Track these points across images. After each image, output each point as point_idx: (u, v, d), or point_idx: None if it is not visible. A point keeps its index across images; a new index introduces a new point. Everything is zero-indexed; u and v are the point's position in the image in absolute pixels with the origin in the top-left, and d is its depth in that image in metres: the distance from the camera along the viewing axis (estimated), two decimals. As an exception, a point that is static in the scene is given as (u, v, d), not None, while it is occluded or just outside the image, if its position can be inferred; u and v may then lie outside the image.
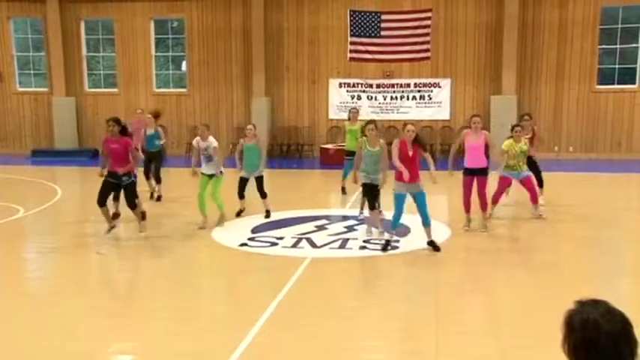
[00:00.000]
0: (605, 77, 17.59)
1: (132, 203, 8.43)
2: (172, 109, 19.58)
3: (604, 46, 17.46)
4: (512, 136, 9.20)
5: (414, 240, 8.24)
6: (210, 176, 8.90)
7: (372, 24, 17.86)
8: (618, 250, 8.19)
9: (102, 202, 8.34)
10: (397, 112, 18.37)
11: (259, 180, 9.51)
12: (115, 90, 20.07)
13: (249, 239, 8.36)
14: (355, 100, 18.67)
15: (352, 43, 18.08)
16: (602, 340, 1.92)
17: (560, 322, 1.99)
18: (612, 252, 8.03)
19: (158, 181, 11.21)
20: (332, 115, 18.87)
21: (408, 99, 18.37)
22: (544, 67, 17.60)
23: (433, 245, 7.62)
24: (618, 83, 17.55)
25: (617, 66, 17.58)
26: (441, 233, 8.52)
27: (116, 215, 9.26)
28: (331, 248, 7.91)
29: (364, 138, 8.28)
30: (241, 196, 9.55)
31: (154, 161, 11.17)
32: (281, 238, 8.34)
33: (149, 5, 19.35)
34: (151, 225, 9.08)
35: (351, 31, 18.01)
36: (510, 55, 17.24)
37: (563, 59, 17.45)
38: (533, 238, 8.67)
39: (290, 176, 15.37)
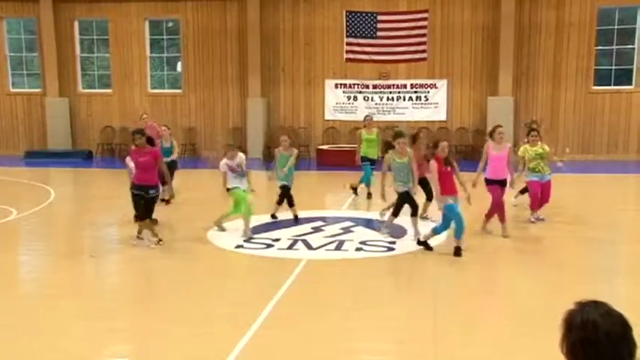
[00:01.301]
0: (601, 78, 17.67)
1: (149, 214, 8.23)
2: (167, 110, 19.57)
3: (600, 47, 17.54)
4: (527, 141, 9.22)
5: (410, 242, 8.25)
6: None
7: (368, 25, 17.90)
8: (621, 252, 8.21)
9: (142, 216, 8.16)
10: (393, 113, 18.40)
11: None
12: (109, 91, 20.04)
13: (245, 241, 8.35)
14: (351, 101, 18.70)
15: (348, 44, 18.12)
16: (601, 340, 1.94)
17: (558, 323, 2.00)
18: (615, 253, 8.05)
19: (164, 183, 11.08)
20: (328, 116, 18.90)
21: (404, 100, 18.40)
22: (541, 68, 17.67)
23: (457, 251, 7.51)
24: (615, 84, 17.64)
25: (613, 67, 17.66)
26: (438, 236, 8.54)
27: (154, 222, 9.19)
28: (327, 250, 7.92)
29: (391, 151, 8.29)
30: (281, 202, 9.59)
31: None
32: (277, 240, 8.35)
33: (144, 6, 19.34)
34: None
35: (347, 31, 18.05)
36: (507, 56, 17.30)
37: (560, 60, 17.52)
38: (534, 239, 8.68)
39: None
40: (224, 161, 8.63)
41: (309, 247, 8.05)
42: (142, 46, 19.62)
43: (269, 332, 5.18)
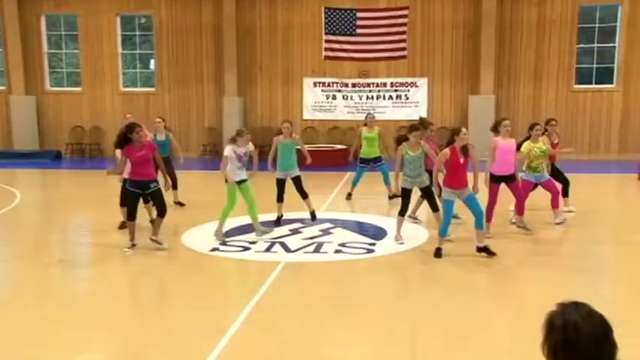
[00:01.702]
0: (583, 77, 17.96)
1: (164, 209, 8.00)
2: (140, 109, 19.40)
3: (582, 46, 17.82)
4: (529, 136, 8.97)
5: (391, 243, 8.29)
6: (240, 182, 8.46)
7: (348, 21, 17.95)
8: (605, 250, 8.34)
9: (133, 216, 7.98)
10: (373, 112, 18.41)
11: (297, 180, 9.34)
12: (79, 89, 19.81)
13: (221, 244, 8.31)
14: (330, 100, 18.74)
15: (327, 41, 18.16)
16: (582, 342, 1.97)
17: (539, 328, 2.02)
18: (598, 253, 8.17)
19: (175, 186, 10.83)
20: (306, 116, 18.91)
21: (384, 99, 18.49)
22: (522, 66, 17.89)
23: (487, 251, 7.47)
24: (596, 83, 17.93)
25: (595, 65, 17.95)
26: (419, 236, 8.59)
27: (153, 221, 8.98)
28: (305, 252, 7.91)
29: (405, 143, 8.24)
30: (280, 199, 9.39)
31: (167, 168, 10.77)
32: (254, 243, 8.32)
33: (115, 0, 19.15)
34: (117, 231, 9.00)
35: (326, 28, 18.09)
36: (488, 54, 17.48)
37: (542, 59, 17.77)
38: (513, 241, 8.76)
39: (263, 178, 15.30)
40: (231, 147, 8.35)
41: (287, 249, 8.04)
42: (113, 42, 19.42)
43: (246, 337, 5.16)
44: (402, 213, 8.31)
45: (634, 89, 17.56)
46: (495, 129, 8.56)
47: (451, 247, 7.91)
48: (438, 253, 7.53)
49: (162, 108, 19.33)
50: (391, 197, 11.22)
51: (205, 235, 8.74)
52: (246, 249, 8.07)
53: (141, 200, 8.23)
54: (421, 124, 8.80)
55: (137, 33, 19.79)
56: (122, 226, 8.88)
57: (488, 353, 4.91)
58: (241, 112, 18.87)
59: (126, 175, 8.23)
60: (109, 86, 19.59)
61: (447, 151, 7.42)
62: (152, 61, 19.72)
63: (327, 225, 9.37)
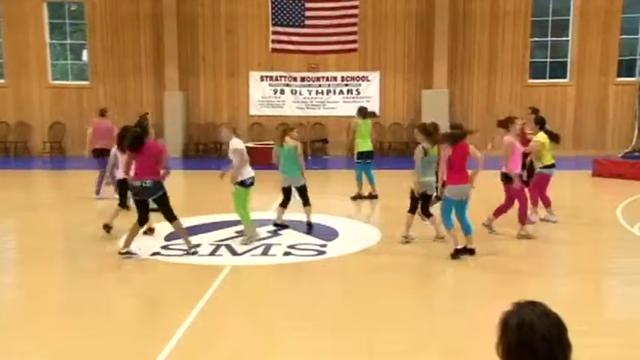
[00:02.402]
0: (537, 71, 18.49)
1: (170, 213, 7.78)
2: (72, 104, 18.92)
3: (536, 39, 18.34)
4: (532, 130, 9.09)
5: (343, 244, 8.32)
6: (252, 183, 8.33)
7: (296, 12, 17.94)
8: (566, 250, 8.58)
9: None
10: (323, 108, 18.54)
11: (302, 190, 9.12)
12: (2, 81, 19.12)
13: (163, 247, 8.19)
14: (278, 94, 18.71)
15: (274, 33, 18.11)
16: (537, 342, 2.01)
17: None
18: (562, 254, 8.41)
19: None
20: (253, 111, 18.82)
21: (334, 93, 18.57)
22: (476, 60, 18.28)
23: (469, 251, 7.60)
24: (550, 77, 18.49)
25: (548, 59, 18.50)
26: (370, 237, 8.66)
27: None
28: (253, 255, 7.87)
29: (424, 144, 8.17)
30: (283, 205, 9.17)
31: None
32: (197, 246, 8.21)
33: (42, -14, 18.57)
34: (52, 233, 8.74)
35: (273, 19, 18.03)
36: (441, 47, 17.77)
37: (496, 52, 18.19)
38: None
39: (207, 178, 15.13)
40: (240, 142, 8.23)
41: (233, 252, 7.98)
42: (40, 31, 18.82)
43: (189, 348, 5.08)
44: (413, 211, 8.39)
45: (587, 84, 18.19)
46: (506, 125, 8.63)
47: (408, 250, 8.01)
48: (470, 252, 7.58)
49: (96, 103, 18.80)
50: (355, 198, 11.41)
51: (145, 238, 8.57)
52: (190, 253, 7.96)
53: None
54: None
55: (67, 21, 19.21)
56: (107, 229, 8.73)
57: (448, 356, 4.98)
58: (183, 108, 18.61)
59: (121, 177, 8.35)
60: (36, 79, 18.97)
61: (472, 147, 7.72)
62: (85, 52, 19.21)
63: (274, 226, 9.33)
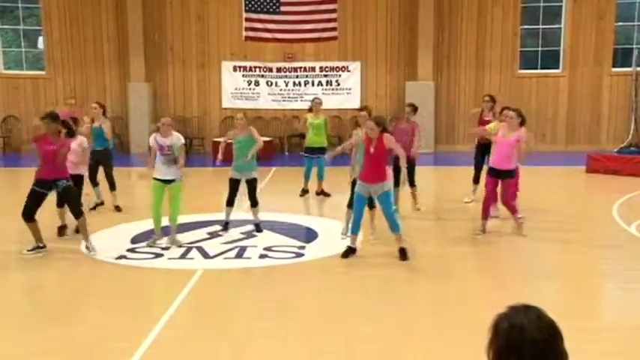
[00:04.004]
0: (527, 61, 18.65)
1: (77, 209, 8.06)
2: (28, 95, 18.70)
3: (526, 27, 18.51)
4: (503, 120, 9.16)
5: (322, 246, 8.36)
6: (167, 182, 8.22)
7: (271, -3, 17.93)
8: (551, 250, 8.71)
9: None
10: (301, 100, 18.51)
11: (252, 183, 9.03)
12: (-52, 71, 18.84)
13: (129, 251, 8.17)
14: (253, 86, 18.68)
15: (248, 20, 18.08)
16: (526, 348, 2.05)
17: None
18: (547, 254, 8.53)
19: (112, 187, 10.51)
20: (226, 104, 18.77)
21: (313, 85, 18.59)
22: (463, 49, 18.40)
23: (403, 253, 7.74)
24: (542, 68, 18.65)
25: (540, 49, 18.69)
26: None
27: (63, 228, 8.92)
28: (226, 258, 7.89)
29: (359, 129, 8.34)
30: (231, 203, 9.07)
31: (102, 163, 10.39)
32: (167, 249, 8.22)
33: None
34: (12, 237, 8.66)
35: (246, 5, 18.01)
36: (426, 35, 17.86)
37: (484, 41, 18.32)
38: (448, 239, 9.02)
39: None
40: (154, 136, 8.21)
41: (205, 255, 7.99)
42: (-10, 16, 18.55)
43: (158, 358, 5.07)
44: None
45: (580, 74, 18.37)
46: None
47: (391, 249, 8.07)
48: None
49: (54, 94, 18.66)
50: (319, 194, 11.69)
51: (110, 241, 8.53)
52: (159, 256, 7.96)
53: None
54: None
55: (20, 5, 18.93)
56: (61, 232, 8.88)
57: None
58: (150, 100, 18.50)
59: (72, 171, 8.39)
60: (-14, 68, 18.74)
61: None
62: (40, 39, 18.97)
63: (250, 227, 9.33)
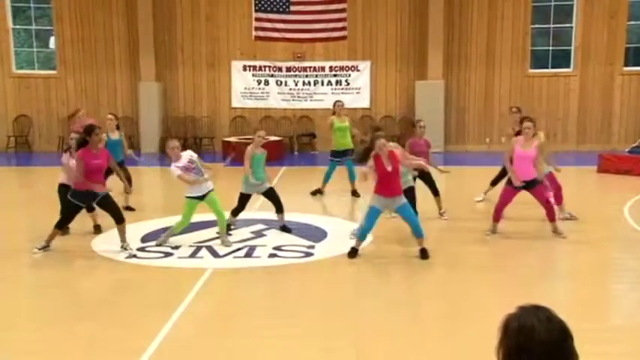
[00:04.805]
0: (538, 60, 18.56)
1: (119, 215, 8.16)
2: (39, 95, 18.80)
3: (537, 26, 18.42)
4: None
5: (331, 246, 8.36)
6: (204, 196, 8.28)
7: (280, -3, 17.93)
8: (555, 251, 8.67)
9: (63, 226, 8.29)
10: (310, 100, 18.54)
11: (272, 192, 9.18)
12: (-40, 71, 18.96)
13: (139, 250, 8.19)
14: (262, 85, 18.70)
15: (257, 20, 18.09)
16: (536, 348, 2.05)
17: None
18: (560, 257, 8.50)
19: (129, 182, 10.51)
20: (235, 104, 18.80)
21: (322, 84, 18.58)
22: (473, 49, 18.33)
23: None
24: (552, 67, 18.56)
25: (550, 48, 18.59)
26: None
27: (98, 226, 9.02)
28: (236, 257, 7.90)
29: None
30: (236, 214, 9.13)
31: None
32: (177, 248, 8.24)
33: (4, -33, 18.43)
34: (23, 235, 8.71)
35: (256, 5, 18.02)
36: (436, 35, 17.81)
37: (494, 40, 18.24)
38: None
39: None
40: (172, 165, 8.18)
41: (214, 254, 8.00)
42: (1, 15, 18.65)
43: (167, 358, 5.09)
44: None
45: (592, 74, 18.26)
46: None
47: (404, 250, 8.05)
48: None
49: (65, 95, 18.77)
50: (353, 194, 11.64)
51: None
52: (168, 255, 7.98)
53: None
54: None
55: (32, 5, 19.05)
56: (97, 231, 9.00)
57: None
58: (160, 100, 18.55)
59: (65, 181, 8.45)
60: (-2, 68, 18.84)
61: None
62: (52, 39, 19.07)
63: (259, 226, 9.36)
